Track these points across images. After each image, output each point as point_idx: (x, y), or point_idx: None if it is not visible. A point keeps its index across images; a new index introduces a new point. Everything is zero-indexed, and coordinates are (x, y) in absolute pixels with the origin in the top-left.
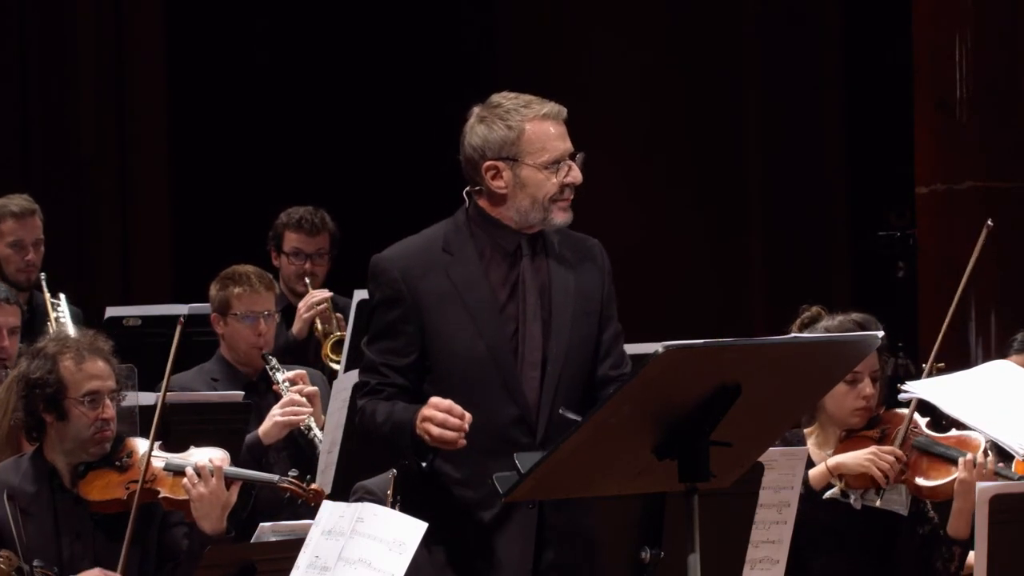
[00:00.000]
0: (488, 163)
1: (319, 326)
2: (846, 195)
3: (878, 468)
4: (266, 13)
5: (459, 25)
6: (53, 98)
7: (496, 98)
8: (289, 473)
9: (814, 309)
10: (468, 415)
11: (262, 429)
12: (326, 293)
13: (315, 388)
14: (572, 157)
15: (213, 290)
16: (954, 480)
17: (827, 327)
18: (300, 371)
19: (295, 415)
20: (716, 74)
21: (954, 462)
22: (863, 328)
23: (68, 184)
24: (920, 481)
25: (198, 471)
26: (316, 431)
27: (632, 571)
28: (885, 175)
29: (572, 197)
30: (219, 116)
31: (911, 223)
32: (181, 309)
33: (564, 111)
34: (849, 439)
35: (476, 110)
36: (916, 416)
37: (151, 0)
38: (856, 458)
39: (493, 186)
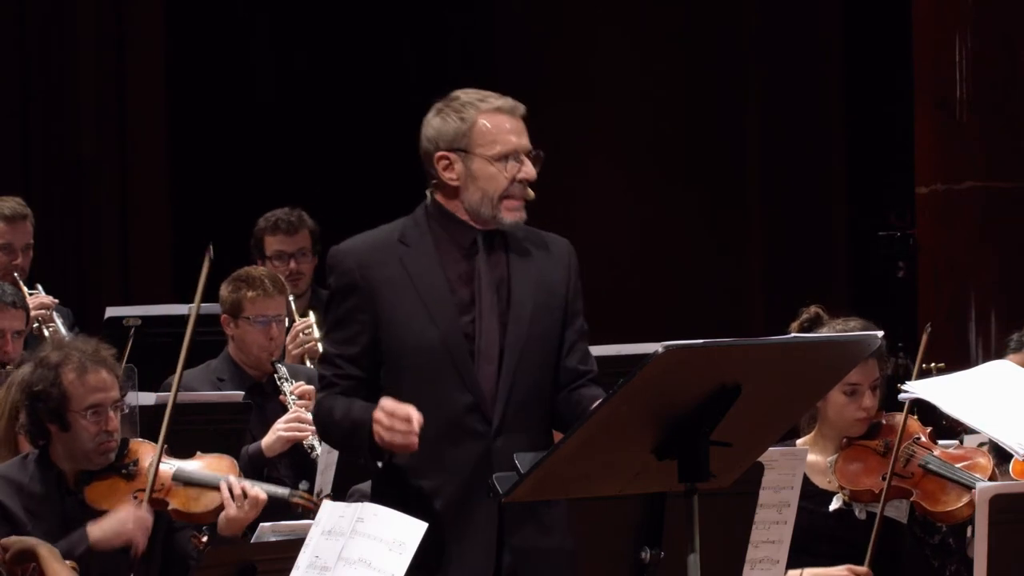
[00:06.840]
0: (440, 154)
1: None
2: (846, 195)
3: None
4: (266, 14)
5: (458, 23)
6: (53, 99)
7: (456, 92)
8: (300, 487)
9: (813, 310)
10: (418, 416)
11: (265, 442)
12: (309, 320)
13: None
14: (529, 155)
15: (224, 291)
16: (967, 504)
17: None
18: (309, 387)
19: (299, 432)
20: (717, 76)
21: (967, 488)
22: None
23: (68, 185)
24: (930, 507)
25: (236, 495)
26: (319, 450)
27: (632, 571)
28: (885, 175)
29: (526, 195)
30: (219, 117)
31: (911, 223)
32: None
33: (521, 107)
34: (851, 447)
35: (436, 104)
36: (918, 423)
37: (151, 1)
38: None
39: (445, 178)
